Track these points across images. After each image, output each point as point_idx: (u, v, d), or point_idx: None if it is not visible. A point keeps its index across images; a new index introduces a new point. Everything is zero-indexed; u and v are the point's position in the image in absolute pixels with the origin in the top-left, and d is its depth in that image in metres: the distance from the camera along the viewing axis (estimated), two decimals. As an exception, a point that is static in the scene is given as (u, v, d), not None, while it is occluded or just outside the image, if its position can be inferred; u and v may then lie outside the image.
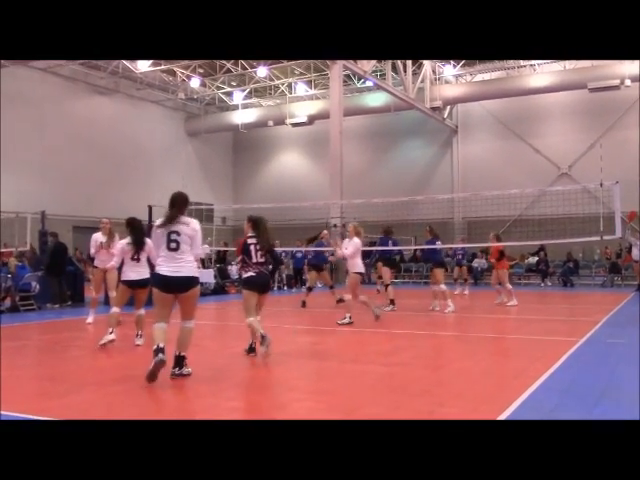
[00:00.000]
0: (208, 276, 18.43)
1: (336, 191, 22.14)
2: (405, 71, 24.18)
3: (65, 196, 21.73)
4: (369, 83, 25.85)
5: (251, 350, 7.08)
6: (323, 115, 25.93)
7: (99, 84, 25.74)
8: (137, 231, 7.88)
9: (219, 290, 18.60)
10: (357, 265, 10.31)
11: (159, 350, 5.34)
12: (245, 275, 7.00)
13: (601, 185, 12.62)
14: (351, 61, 20.62)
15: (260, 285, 6.95)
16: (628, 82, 22.55)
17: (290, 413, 4.57)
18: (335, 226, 18.41)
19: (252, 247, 6.90)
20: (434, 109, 26.14)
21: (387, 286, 13.20)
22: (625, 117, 25.25)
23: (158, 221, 5.73)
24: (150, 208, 15.13)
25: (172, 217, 5.58)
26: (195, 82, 27.57)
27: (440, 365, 6.60)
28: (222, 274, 19.33)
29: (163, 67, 25.86)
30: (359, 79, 27.09)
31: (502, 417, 4.25)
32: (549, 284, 19.98)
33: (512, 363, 6.65)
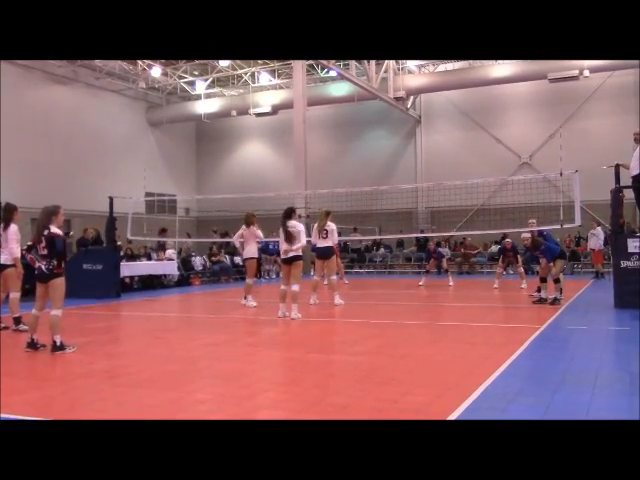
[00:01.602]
0: (171, 268, 18.22)
1: (300, 181, 22.11)
2: (368, 61, 24.18)
3: (23, 187, 21.21)
4: (332, 73, 25.76)
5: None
6: (287, 105, 25.80)
7: (57, 73, 25.09)
8: None
9: (183, 282, 18.41)
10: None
11: None
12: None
13: (561, 174, 12.83)
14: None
15: None
16: (587, 72, 22.96)
17: (256, 405, 4.54)
18: (300, 216, 18.37)
19: None
20: (397, 99, 26.22)
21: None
22: (584, 107, 25.74)
23: None
24: (111, 199, 14.86)
25: None
26: (156, 71, 27.14)
27: (405, 353, 6.63)
28: (186, 266, 19.13)
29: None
30: (322, 69, 27.00)
31: (466, 403, 4.30)
32: (511, 272, 20.24)
33: (476, 350, 6.72)
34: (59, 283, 6.84)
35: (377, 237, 24.91)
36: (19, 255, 8.63)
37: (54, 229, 6.87)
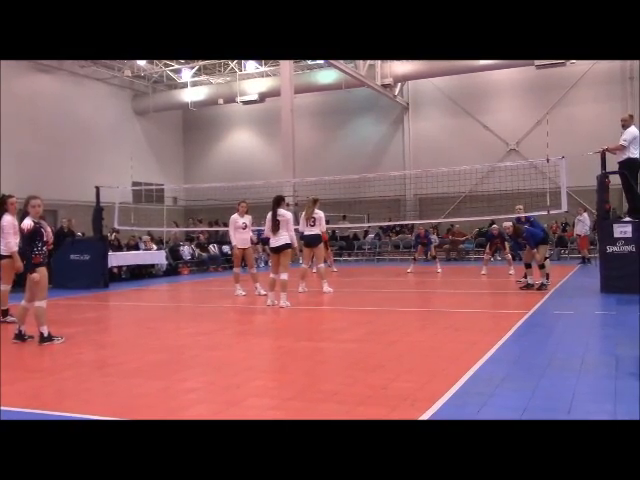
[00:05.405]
0: (160, 257, 18.15)
1: (289, 169, 22.04)
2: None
3: (8, 178, 21.00)
4: (320, 60, 25.66)
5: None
6: (274, 93, 25.65)
7: (41, 61, 24.80)
8: None
9: (171, 271, 18.35)
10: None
11: None
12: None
13: (547, 160, 12.89)
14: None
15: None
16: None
17: (245, 392, 4.56)
18: (288, 205, 18.35)
19: None
20: (385, 86, 26.14)
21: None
22: (570, 93, 25.80)
23: None
24: (97, 189, 14.76)
25: None
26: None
27: (394, 340, 6.66)
28: (174, 255, 19.06)
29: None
30: (310, 56, 26.83)
31: (453, 389, 4.34)
32: (499, 258, 20.38)
33: (464, 336, 6.76)
34: (35, 274, 6.75)
35: (365, 225, 24.90)
36: (15, 248, 8.04)
37: (25, 221, 6.75)
